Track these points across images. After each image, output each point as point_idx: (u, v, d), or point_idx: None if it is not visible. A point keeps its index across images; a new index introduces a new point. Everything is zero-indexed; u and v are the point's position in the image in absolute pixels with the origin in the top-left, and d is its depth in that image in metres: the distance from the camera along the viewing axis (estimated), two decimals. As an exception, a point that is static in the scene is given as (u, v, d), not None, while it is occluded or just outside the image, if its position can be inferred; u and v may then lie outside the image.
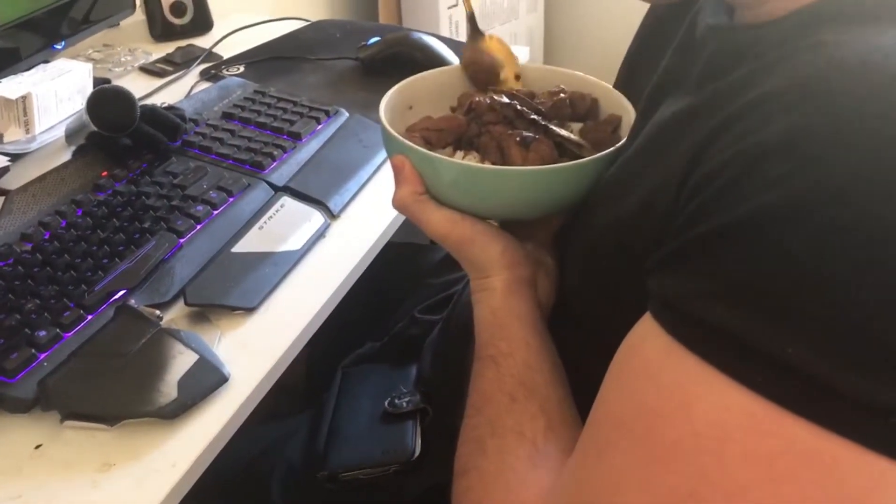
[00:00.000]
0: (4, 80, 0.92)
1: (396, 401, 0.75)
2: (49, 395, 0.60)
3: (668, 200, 0.44)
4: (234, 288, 0.71)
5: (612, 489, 0.41)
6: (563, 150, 0.61)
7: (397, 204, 0.62)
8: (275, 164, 0.87)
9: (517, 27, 2.13)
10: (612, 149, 0.58)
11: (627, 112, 0.63)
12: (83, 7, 1.06)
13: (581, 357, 0.55)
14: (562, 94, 0.65)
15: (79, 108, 0.96)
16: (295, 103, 0.98)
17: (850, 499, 0.36)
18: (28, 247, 0.72)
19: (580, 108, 0.66)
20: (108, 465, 0.57)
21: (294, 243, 0.77)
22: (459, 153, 0.63)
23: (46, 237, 0.74)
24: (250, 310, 0.70)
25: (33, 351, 0.62)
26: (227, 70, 1.13)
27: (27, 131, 0.92)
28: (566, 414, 0.55)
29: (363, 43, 1.13)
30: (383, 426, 0.74)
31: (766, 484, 0.36)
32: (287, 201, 0.82)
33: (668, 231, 0.43)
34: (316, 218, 0.80)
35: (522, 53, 1.11)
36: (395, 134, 0.61)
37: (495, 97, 0.63)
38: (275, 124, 0.93)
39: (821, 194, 0.36)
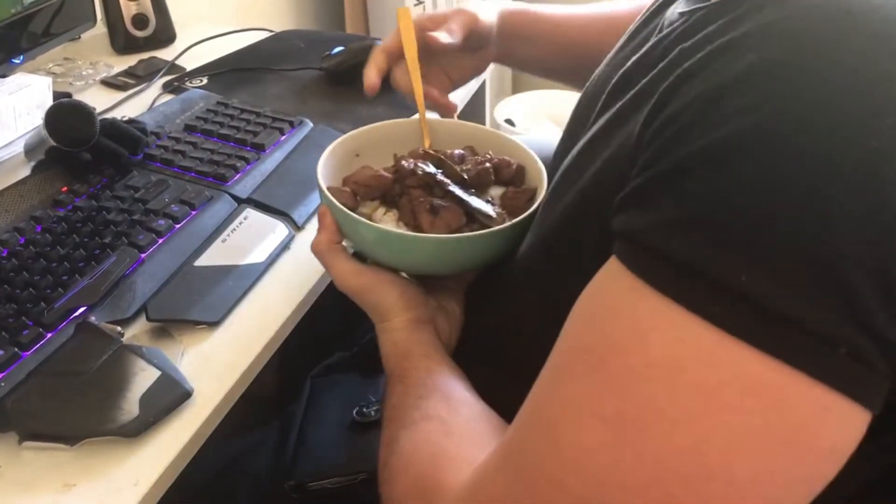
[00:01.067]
0: (-39, 96, 0.90)
1: (365, 410, 0.75)
2: (7, 415, 0.59)
3: (630, 150, 0.45)
4: (197, 302, 0.70)
5: (564, 414, 0.41)
6: (475, 218, 0.67)
7: (313, 248, 0.68)
8: (238, 175, 0.86)
9: None
10: (508, 223, 0.64)
11: (542, 185, 0.69)
12: (43, 20, 1.04)
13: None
14: (487, 164, 0.71)
15: (38, 123, 0.94)
16: (258, 114, 0.97)
17: (793, 428, 0.36)
18: (-15, 265, 0.71)
19: (504, 175, 0.72)
20: (69, 485, 0.56)
21: (258, 255, 0.76)
22: (383, 209, 0.69)
23: (4, 254, 0.72)
24: (214, 324, 0.69)
25: (-9, 371, 0.61)
26: (190, 82, 1.12)
27: (-15, 147, 0.91)
28: (471, 400, 0.58)
29: (327, 53, 1.13)
30: (351, 435, 0.74)
31: (712, 412, 0.37)
32: (251, 213, 0.81)
33: (629, 177, 0.43)
34: (280, 230, 0.80)
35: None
36: (324, 188, 0.67)
37: (421, 164, 0.69)
38: (238, 136, 0.92)
39: (776, 125, 0.36)
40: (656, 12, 0.64)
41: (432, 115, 0.83)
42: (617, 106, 0.53)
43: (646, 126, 0.43)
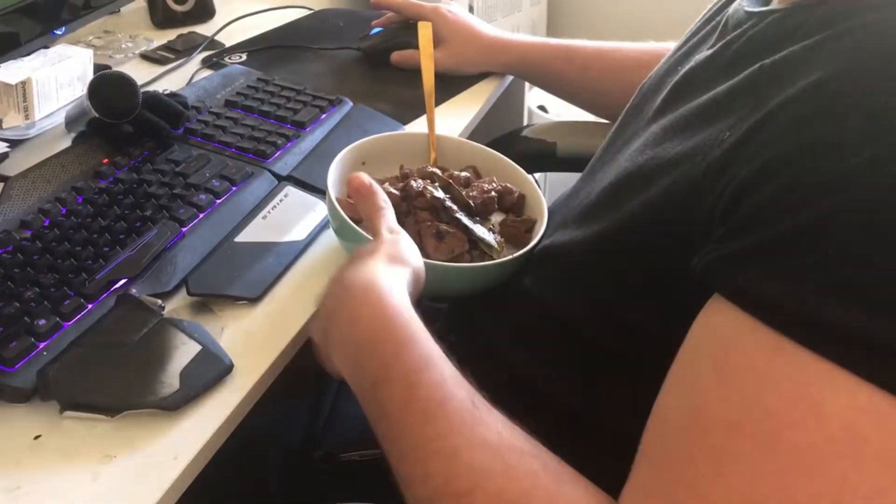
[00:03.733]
0: (4, 66, 0.91)
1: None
2: (48, 384, 0.59)
3: (710, 173, 0.44)
4: (237, 278, 0.70)
5: (745, 502, 0.38)
6: (476, 245, 0.70)
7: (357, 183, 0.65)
8: (278, 153, 0.86)
9: (520, 19, 2.12)
10: (509, 257, 0.68)
11: (543, 217, 0.73)
12: (84, -8, 1.04)
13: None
14: (493, 193, 0.75)
15: (79, 95, 0.95)
16: (298, 92, 0.96)
17: None
18: (27, 234, 0.71)
19: (507, 201, 0.76)
20: (109, 456, 0.56)
21: (298, 234, 0.76)
22: None
23: (46, 224, 0.72)
24: (253, 300, 0.69)
25: (32, 340, 0.61)
26: (230, 58, 1.12)
27: (26, 117, 0.91)
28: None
29: (366, 33, 1.12)
30: None
31: None
32: (291, 191, 0.81)
33: (716, 204, 0.42)
34: (320, 208, 0.79)
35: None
36: (334, 199, 0.71)
37: (430, 188, 0.71)
38: (279, 113, 0.92)
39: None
40: (720, 9, 0.64)
41: (440, 132, 0.86)
42: (682, 109, 0.52)
43: (732, 164, 0.42)
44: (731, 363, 0.40)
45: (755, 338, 0.39)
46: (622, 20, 2.15)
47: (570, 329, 0.58)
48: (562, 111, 2.16)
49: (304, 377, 0.87)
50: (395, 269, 0.56)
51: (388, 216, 0.62)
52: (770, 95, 0.42)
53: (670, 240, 0.45)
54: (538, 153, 1.02)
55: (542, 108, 1.97)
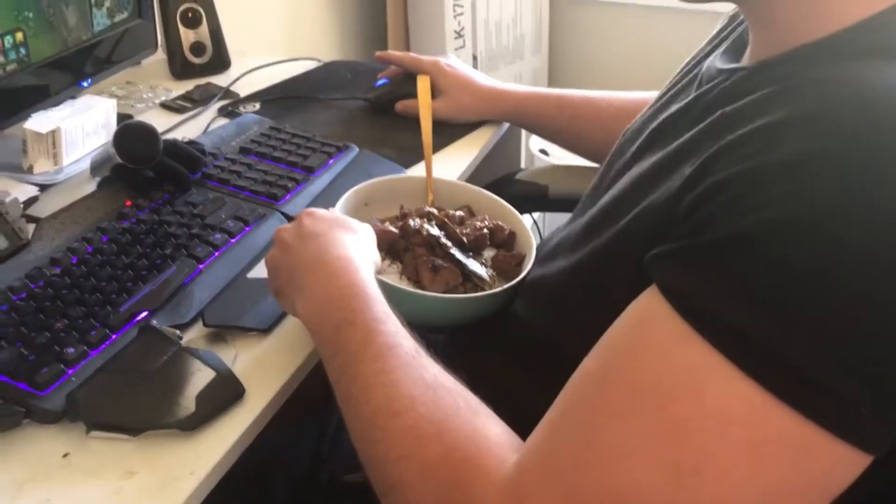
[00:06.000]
0: (35, 115, 0.97)
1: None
2: (76, 407, 0.64)
3: (669, 205, 0.50)
4: (249, 311, 0.75)
5: (620, 454, 0.46)
6: (469, 278, 0.76)
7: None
8: (289, 195, 0.92)
9: (522, 68, 2.19)
10: (500, 289, 0.74)
11: (531, 252, 0.78)
12: (107, 47, 1.12)
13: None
14: (485, 230, 0.81)
15: (103, 142, 1.01)
16: (308, 139, 1.03)
17: (814, 477, 0.43)
18: (57, 270, 0.76)
19: (498, 238, 0.82)
20: (131, 472, 0.61)
21: (306, 270, 0.81)
22: (388, 261, 0.78)
23: (74, 262, 0.78)
24: (264, 331, 0.74)
25: (62, 366, 0.66)
26: (244, 107, 1.19)
27: (55, 163, 0.97)
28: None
29: (372, 84, 1.19)
30: None
31: (754, 463, 0.43)
32: (300, 231, 0.87)
33: (672, 222, 0.49)
34: (327, 246, 0.85)
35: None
36: None
37: (426, 226, 0.78)
38: (290, 158, 0.98)
39: (817, 212, 0.42)
40: (696, 64, 0.70)
41: (438, 175, 0.92)
42: (658, 155, 0.58)
43: (688, 188, 0.49)
44: (644, 339, 0.47)
45: (668, 323, 0.46)
46: (616, 69, 2.23)
47: (559, 353, 0.63)
48: (563, 155, 2.23)
49: (310, 402, 0.92)
50: (365, 252, 0.69)
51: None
52: (727, 134, 0.48)
53: (636, 262, 0.51)
54: (531, 195, 1.08)
55: (543, 151, 2.03)
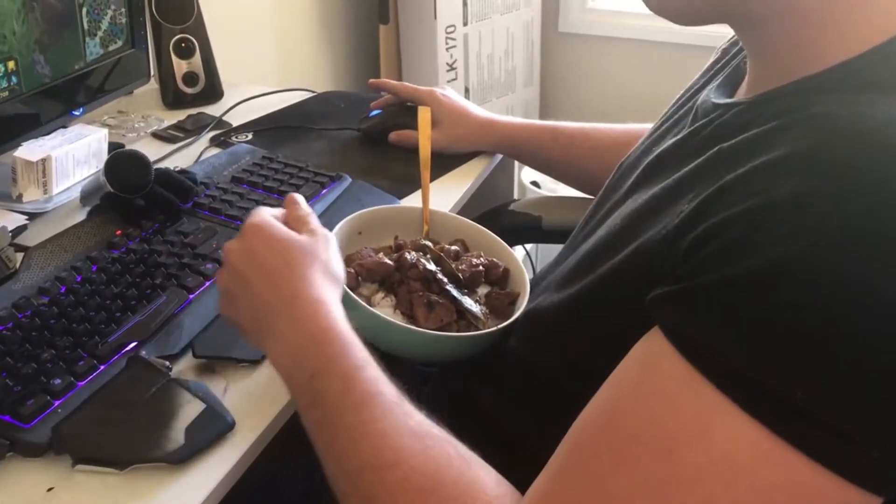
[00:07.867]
0: (25, 144, 0.97)
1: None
2: (62, 439, 0.63)
3: (667, 242, 0.50)
4: (239, 342, 0.74)
5: (627, 499, 0.45)
6: (463, 315, 0.76)
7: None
8: (281, 225, 0.91)
9: (514, 100, 2.21)
10: (494, 329, 0.73)
11: (525, 291, 0.77)
12: (100, 76, 1.11)
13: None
14: (480, 267, 0.80)
15: (94, 171, 1.00)
16: (301, 169, 1.02)
17: None
18: (45, 300, 0.76)
19: (492, 275, 0.82)
20: (118, 507, 0.60)
21: (298, 300, 0.80)
22: (381, 293, 0.77)
23: (62, 291, 0.77)
24: (254, 362, 0.73)
25: (48, 398, 0.65)
26: (236, 137, 1.19)
27: (45, 192, 0.96)
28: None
29: (365, 115, 1.19)
30: None
31: None
32: (292, 261, 0.86)
33: (671, 262, 0.48)
34: (319, 277, 0.84)
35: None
36: None
37: (423, 261, 0.77)
38: (282, 188, 0.98)
39: (820, 252, 0.41)
40: (691, 97, 0.70)
41: (432, 207, 0.92)
42: (654, 189, 0.58)
43: (688, 227, 0.48)
44: (648, 383, 0.47)
45: (673, 366, 0.45)
46: (607, 102, 2.25)
47: (553, 387, 0.62)
48: (554, 187, 2.24)
49: (302, 435, 0.90)
50: (332, 286, 0.64)
51: (312, 220, 0.68)
52: (725, 172, 0.47)
53: (633, 300, 0.50)
54: (525, 225, 1.07)
55: (534, 183, 2.04)
